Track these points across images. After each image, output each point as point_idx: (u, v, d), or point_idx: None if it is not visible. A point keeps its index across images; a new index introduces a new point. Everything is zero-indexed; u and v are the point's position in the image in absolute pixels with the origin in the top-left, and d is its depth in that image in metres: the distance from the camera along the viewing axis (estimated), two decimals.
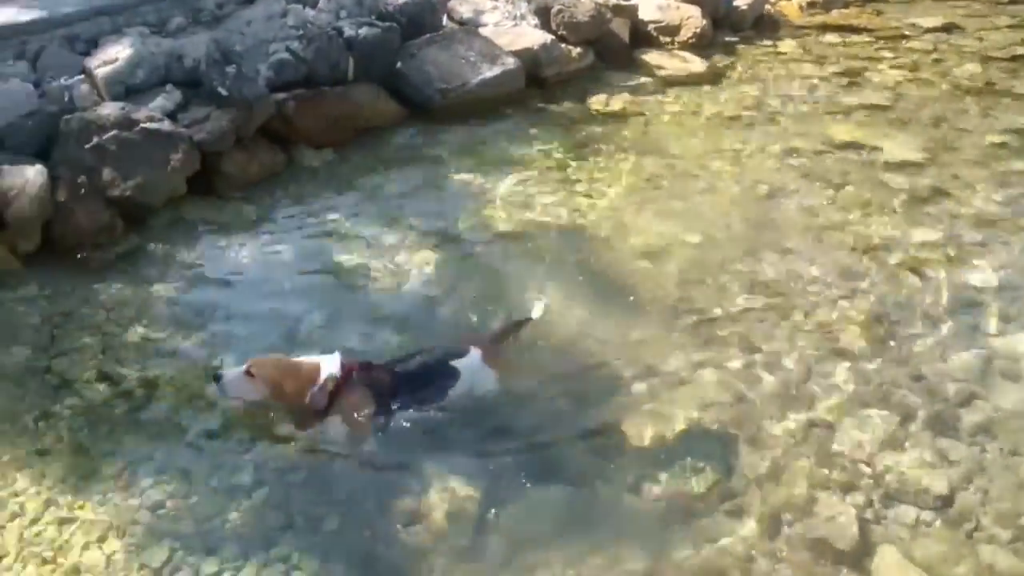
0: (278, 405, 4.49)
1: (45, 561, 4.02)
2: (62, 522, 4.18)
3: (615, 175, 6.84)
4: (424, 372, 4.69)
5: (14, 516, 4.21)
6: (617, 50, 8.61)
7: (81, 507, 4.23)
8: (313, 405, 4.44)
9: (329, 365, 4.53)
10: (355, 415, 4.55)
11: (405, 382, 4.61)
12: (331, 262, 5.90)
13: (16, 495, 4.31)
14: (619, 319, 5.41)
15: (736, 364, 5.09)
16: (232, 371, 4.49)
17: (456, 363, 4.69)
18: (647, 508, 4.31)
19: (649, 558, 4.10)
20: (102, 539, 4.11)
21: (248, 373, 4.39)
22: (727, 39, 9.10)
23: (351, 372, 4.55)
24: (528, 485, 4.39)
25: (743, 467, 4.49)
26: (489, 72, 7.71)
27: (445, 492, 4.35)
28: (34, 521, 4.19)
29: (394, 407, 4.57)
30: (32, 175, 5.69)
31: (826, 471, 4.47)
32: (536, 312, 5.05)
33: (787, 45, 9.08)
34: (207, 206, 6.36)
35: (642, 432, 4.66)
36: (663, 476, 4.44)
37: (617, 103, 7.87)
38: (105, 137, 6.00)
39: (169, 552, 4.08)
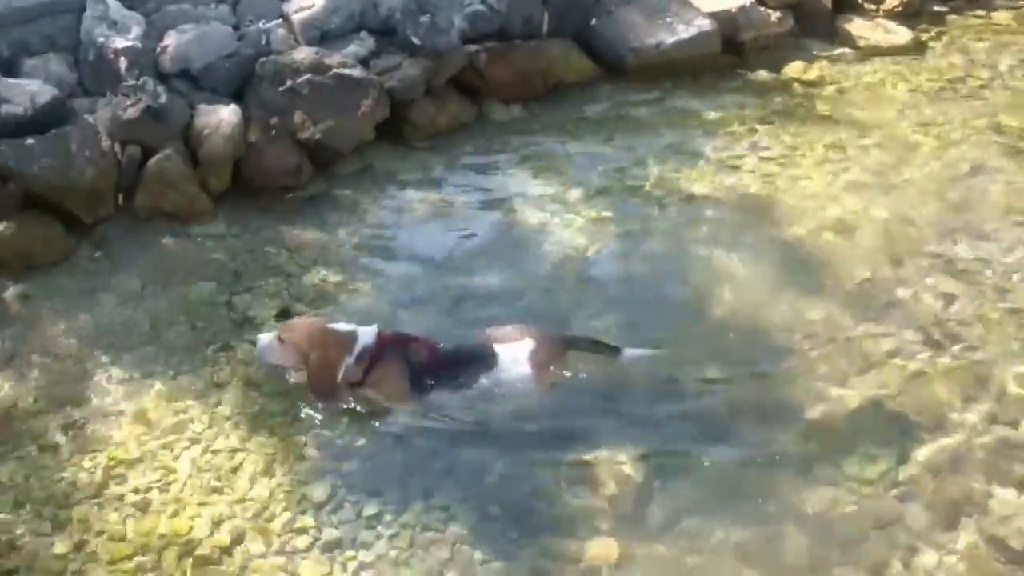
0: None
1: (214, 490, 4.07)
2: (232, 451, 4.24)
3: (808, 145, 6.49)
4: (465, 351, 4.53)
5: (191, 443, 4.29)
6: (818, 16, 8.15)
7: (249, 439, 4.27)
8: (347, 377, 4.34)
9: (365, 336, 4.41)
10: (390, 390, 4.42)
11: (444, 360, 4.45)
12: (514, 219, 5.82)
13: (192, 422, 4.38)
14: (800, 292, 5.18)
15: (920, 351, 4.79)
16: (265, 336, 4.45)
17: (500, 348, 4.46)
18: (814, 488, 4.12)
19: (812, 538, 3.94)
20: (268, 472, 4.14)
21: (279, 339, 4.34)
22: (936, 8, 8.50)
23: (386, 344, 4.42)
24: (695, 455, 4.27)
25: (919, 454, 4.26)
26: (684, 33, 7.40)
27: (612, 455, 4.24)
28: (206, 449, 4.25)
29: (429, 384, 4.41)
30: (227, 115, 5.78)
31: (1008, 467, 4.18)
32: (631, 355, 4.61)
33: (1002, 16, 8.43)
34: (393, 155, 6.33)
35: (815, 410, 4.46)
36: (834, 456, 4.24)
37: (814, 71, 7.45)
38: (298, 81, 6.03)
39: (332, 489, 4.08)
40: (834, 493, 4.11)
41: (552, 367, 4.52)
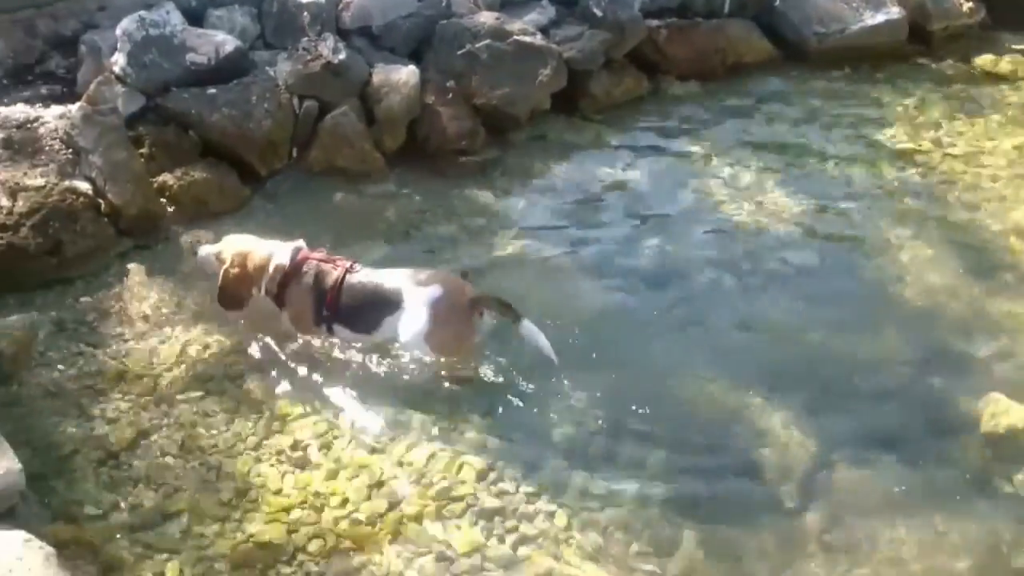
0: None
1: (373, 450, 4.01)
2: (393, 416, 4.18)
3: (996, 143, 6.16)
4: (372, 291, 4.23)
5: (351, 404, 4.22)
6: (1014, 6, 7.77)
7: (410, 405, 4.21)
8: (267, 292, 4.26)
9: (281, 254, 4.27)
10: (295, 314, 4.29)
11: (348, 296, 4.22)
12: (685, 196, 5.69)
13: None
14: (981, 294, 4.91)
15: None
16: (205, 248, 4.44)
17: (408, 293, 4.16)
18: (988, 502, 3.86)
19: (980, 556, 3.67)
20: (428, 437, 4.08)
21: (215, 255, 4.30)
22: None
23: (301, 266, 4.25)
24: (863, 453, 4.05)
25: None
26: (871, 20, 7.19)
27: (778, 446, 4.07)
28: (366, 411, 4.19)
29: (330, 316, 4.23)
30: (405, 75, 5.78)
31: None
32: (528, 329, 4.20)
33: None
34: (568, 126, 6.26)
35: (996, 419, 4.15)
36: (1013, 470, 3.97)
37: (1006, 65, 7.09)
38: (478, 45, 6.02)
39: (491, 460, 3.97)
40: (1009, 505, 3.85)
41: (454, 325, 4.20)
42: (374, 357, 4.35)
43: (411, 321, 4.16)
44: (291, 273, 4.26)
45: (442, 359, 4.24)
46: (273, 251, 4.29)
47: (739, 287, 4.97)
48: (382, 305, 4.21)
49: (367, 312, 4.24)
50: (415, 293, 4.15)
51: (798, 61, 7.09)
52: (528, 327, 4.15)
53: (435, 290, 4.15)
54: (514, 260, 5.08)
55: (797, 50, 7.13)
